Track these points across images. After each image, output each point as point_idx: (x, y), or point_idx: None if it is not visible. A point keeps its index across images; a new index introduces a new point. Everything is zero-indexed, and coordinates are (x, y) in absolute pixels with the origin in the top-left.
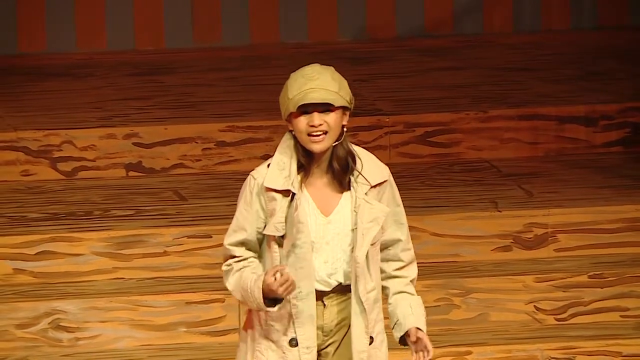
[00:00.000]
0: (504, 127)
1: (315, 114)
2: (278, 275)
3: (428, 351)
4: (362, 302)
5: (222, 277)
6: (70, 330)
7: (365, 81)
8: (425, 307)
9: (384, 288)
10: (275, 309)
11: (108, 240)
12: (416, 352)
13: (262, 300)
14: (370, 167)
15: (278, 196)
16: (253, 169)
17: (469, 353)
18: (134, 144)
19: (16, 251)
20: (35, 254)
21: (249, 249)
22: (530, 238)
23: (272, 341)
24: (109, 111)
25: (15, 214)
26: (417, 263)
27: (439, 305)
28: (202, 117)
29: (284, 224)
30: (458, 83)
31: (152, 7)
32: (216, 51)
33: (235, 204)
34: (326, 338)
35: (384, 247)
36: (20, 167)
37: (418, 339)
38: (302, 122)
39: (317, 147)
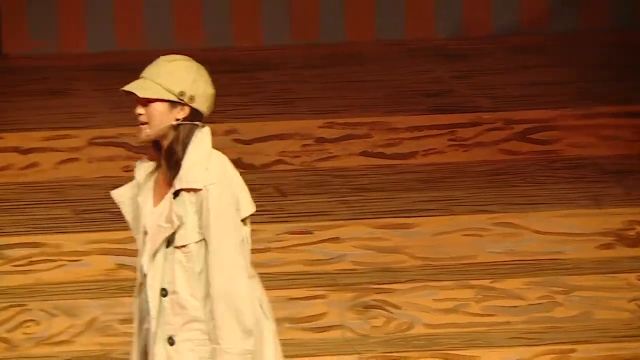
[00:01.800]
0: (603, 124)
1: (138, 104)
2: None
3: None
4: (149, 296)
5: (323, 274)
6: None
7: (461, 78)
8: (528, 304)
9: None
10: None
11: None
12: None
13: None
14: (190, 170)
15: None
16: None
17: (573, 351)
18: (234, 140)
19: (119, 246)
20: (137, 250)
21: None
22: (632, 235)
23: None
24: None
25: (117, 209)
26: (518, 260)
27: (541, 303)
28: (301, 113)
29: (124, 205)
30: (555, 80)
31: (250, 5)
32: (312, 48)
33: (335, 200)
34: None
35: None
36: (122, 162)
37: None
38: (135, 108)
39: (138, 136)
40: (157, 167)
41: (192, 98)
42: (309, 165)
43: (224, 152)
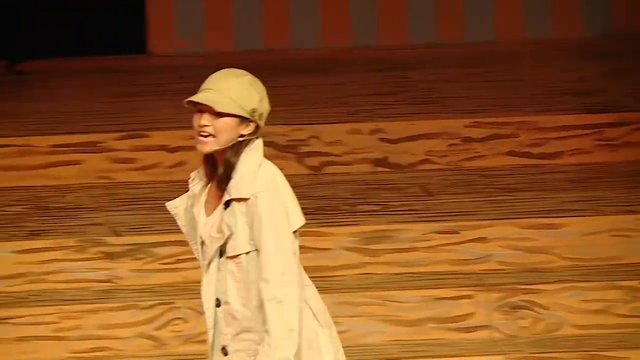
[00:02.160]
0: None
1: (205, 114)
2: None
3: None
4: (205, 307)
5: (470, 274)
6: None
7: (609, 77)
8: None
9: None
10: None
11: (356, 235)
12: None
13: None
14: (240, 180)
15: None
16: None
17: None
18: (380, 139)
19: None
20: None
21: None
22: None
23: None
24: (354, 106)
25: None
26: None
27: None
28: (447, 112)
29: (179, 217)
30: None
31: (395, 4)
32: (459, 47)
33: (481, 200)
34: None
35: None
36: None
37: None
38: (195, 119)
39: (199, 148)
40: (211, 179)
41: (260, 115)
42: (456, 165)
43: (370, 151)
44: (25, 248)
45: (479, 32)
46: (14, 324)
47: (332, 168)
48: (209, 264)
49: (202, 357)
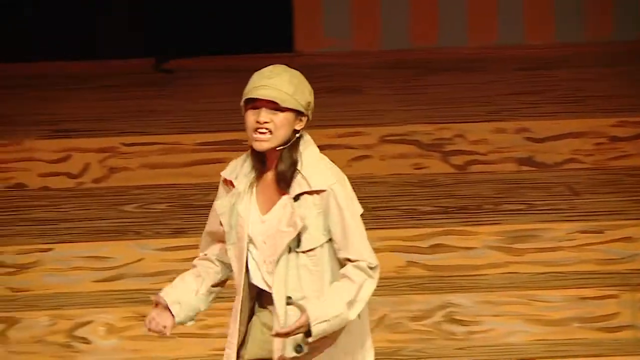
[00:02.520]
0: None
1: (263, 110)
2: (148, 316)
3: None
4: (277, 306)
5: (615, 274)
6: (464, 324)
7: None
8: None
9: None
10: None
11: (500, 234)
12: None
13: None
14: (311, 172)
15: (231, 188)
16: None
17: None
18: (525, 138)
19: (409, 244)
20: (428, 247)
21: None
22: None
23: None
24: (498, 105)
25: (408, 207)
26: None
27: None
28: (593, 112)
29: (218, 210)
30: None
31: (542, 3)
32: (605, 46)
33: (628, 200)
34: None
35: (340, 264)
36: (412, 160)
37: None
38: (250, 117)
39: (258, 145)
40: (259, 176)
41: (312, 109)
42: (602, 164)
43: (515, 150)
44: (170, 246)
45: (625, 30)
46: None
47: (477, 167)
48: (277, 261)
49: None
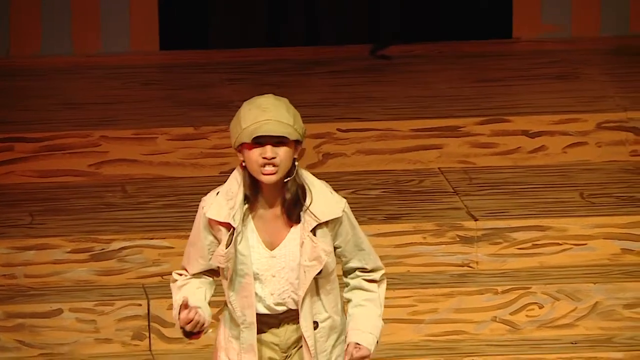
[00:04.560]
0: None
1: (269, 147)
2: (185, 312)
3: None
4: (306, 336)
5: None
6: None
7: None
8: None
9: (347, 300)
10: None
11: None
12: None
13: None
14: (321, 202)
15: (222, 227)
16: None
17: None
18: None
19: (625, 231)
20: None
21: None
22: None
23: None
24: None
25: (623, 194)
26: None
27: None
28: None
29: (224, 257)
30: None
31: None
32: None
33: None
34: (284, 355)
35: (348, 272)
36: (630, 147)
37: (351, 356)
38: (254, 153)
39: (268, 179)
40: (252, 209)
41: (304, 137)
42: None
43: None
44: (384, 231)
45: None
46: None
47: None
48: (305, 296)
49: (557, 342)
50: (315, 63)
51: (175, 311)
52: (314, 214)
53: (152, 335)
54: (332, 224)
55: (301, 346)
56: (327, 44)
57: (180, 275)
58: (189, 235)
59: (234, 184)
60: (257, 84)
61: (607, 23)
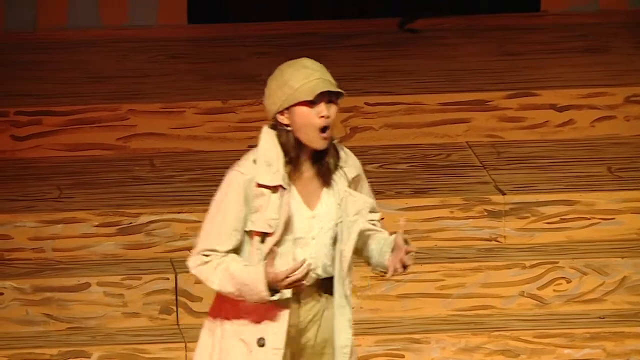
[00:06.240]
0: None
1: (323, 104)
2: (301, 269)
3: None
4: (345, 296)
5: None
6: None
7: None
8: None
9: (362, 251)
10: (277, 297)
11: None
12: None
13: (266, 292)
14: (349, 161)
15: (267, 192)
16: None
17: None
18: None
19: None
20: None
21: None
22: None
23: (240, 339)
24: None
25: None
26: None
27: None
28: None
29: (276, 220)
30: None
31: None
32: None
33: None
34: (298, 336)
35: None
36: None
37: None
38: (310, 113)
39: (324, 144)
40: (294, 173)
41: None
42: None
43: None
44: (411, 206)
45: None
46: (398, 280)
47: None
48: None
49: (585, 317)
50: (342, 36)
51: (259, 282)
52: (345, 172)
53: (179, 309)
54: (356, 179)
55: (315, 323)
56: (354, 17)
57: (209, 255)
58: None
59: (270, 149)
60: (284, 58)
61: None
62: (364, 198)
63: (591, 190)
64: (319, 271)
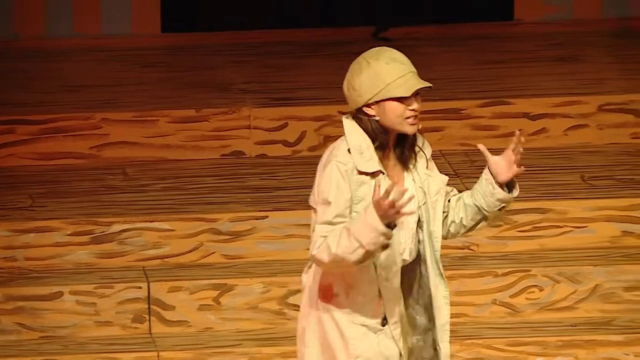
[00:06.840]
0: None
1: (413, 98)
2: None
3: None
4: (441, 274)
5: None
6: None
7: None
8: None
9: (467, 217)
10: (394, 230)
11: None
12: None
13: (382, 226)
14: (425, 142)
15: (367, 179)
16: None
17: None
18: None
19: (625, 213)
20: None
21: None
22: None
23: (364, 325)
24: None
25: (624, 176)
26: None
27: None
28: None
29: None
30: None
31: None
32: None
33: None
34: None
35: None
36: (631, 129)
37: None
38: (399, 107)
39: (413, 129)
40: (383, 158)
41: None
42: None
43: None
44: None
45: None
46: None
47: None
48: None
49: (558, 324)
50: (316, 45)
51: (370, 216)
52: (425, 153)
53: (152, 318)
54: (429, 160)
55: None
56: (329, 25)
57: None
58: (189, 218)
59: (359, 138)
60: (259, 66)
61: (609, 5)
62: (441, 177)
63: (564, 199)
64: (406, 256)
